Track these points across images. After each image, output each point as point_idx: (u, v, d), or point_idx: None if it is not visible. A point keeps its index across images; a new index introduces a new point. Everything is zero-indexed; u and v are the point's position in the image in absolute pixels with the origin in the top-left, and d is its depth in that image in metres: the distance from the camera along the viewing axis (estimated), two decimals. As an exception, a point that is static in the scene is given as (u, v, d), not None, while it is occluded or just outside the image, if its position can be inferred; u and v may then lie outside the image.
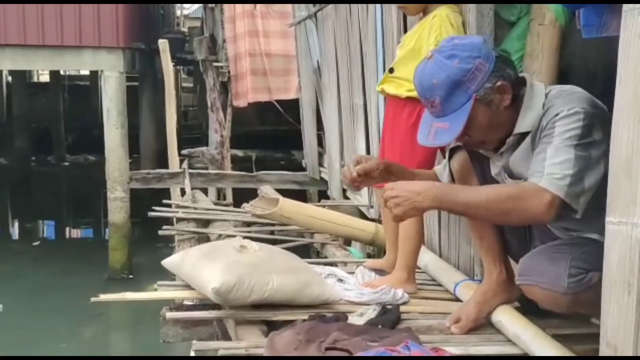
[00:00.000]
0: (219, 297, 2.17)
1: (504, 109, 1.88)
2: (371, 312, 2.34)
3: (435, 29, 2.43)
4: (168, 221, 3.81)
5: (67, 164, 17.04)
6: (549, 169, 1.74)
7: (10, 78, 16.34)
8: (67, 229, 12.72)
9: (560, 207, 1.74)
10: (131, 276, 8.58)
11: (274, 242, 3.29)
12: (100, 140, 10.27)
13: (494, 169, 2.07)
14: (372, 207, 3.82)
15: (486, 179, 2.10)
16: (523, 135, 1.91)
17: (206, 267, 2.27)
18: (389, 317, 2.28)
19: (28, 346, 6.51)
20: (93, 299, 2.43)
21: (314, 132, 5.72)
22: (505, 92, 1.86)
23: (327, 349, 2.00)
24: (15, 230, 12.35)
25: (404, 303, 2.44)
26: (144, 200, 9.80)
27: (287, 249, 2.98)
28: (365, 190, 3.93)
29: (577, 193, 1.74)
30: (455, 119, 1.83)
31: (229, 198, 6.58)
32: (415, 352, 1.79)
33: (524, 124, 1.90)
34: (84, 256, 9.99)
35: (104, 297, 2.48)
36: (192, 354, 2.16)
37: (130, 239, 8.78)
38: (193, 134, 13.35)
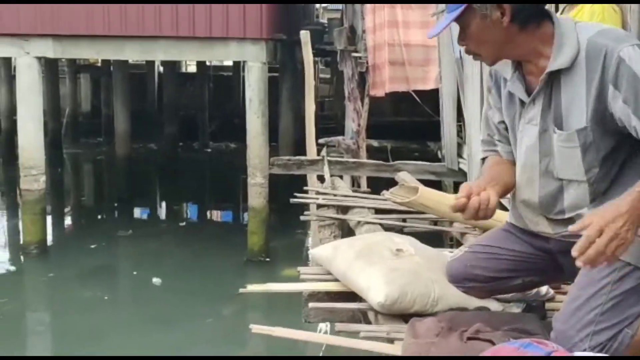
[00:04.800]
0: (383, 309, 2.20)
1: (502, 29, 1.83)
2: (515, 309, 2.29)
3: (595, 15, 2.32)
4: (304, 207, 3.91)
5: (209, 150, 17.95)
6: None
7: (161, 68, 17.42)
8: (209, 211, 13.44)
9: None
10: (268, 259, 8.91)
11: (413, 232, 3.29)
12: (241, 129, 10.73)
13: (525, 118, 1.95)
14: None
15: None
16: (556, 73, 1.84)
17: (364, 271, 2.28)
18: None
19: (176, 320, 6.99)
20: (241, 290, 2.54)
21: (453, 122, 5.63)
22: (504, 12, 1.81)
23: (469, 338, 1.98)
24: (162, 212, 13.22)
25: (549, 300, 2.35)
26: (280, 188, 10.20)
27: (422, 236, 2.98)
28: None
29: None
30: (447, 18, 1.85)
31: (363, 186, 6.65)
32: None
33: (558, 61, 1.82)
34: (223, 238, 10.53)
35: (250, 287, 2.58)
36: (335, 334, 2.22)
37: (268, 224, 9.11)
38: (329, 124, 13.59)
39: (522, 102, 1.97)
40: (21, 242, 9.24)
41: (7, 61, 15.04)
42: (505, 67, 2.01)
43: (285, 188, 10.62)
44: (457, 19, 1.86)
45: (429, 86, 7.70)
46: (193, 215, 12.92)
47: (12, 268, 8.68)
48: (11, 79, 14.39)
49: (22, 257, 9.01)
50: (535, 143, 1.95)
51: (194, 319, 7.02)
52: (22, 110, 9.09)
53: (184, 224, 11.87)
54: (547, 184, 1.97)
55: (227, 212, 13.34)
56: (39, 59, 9.09)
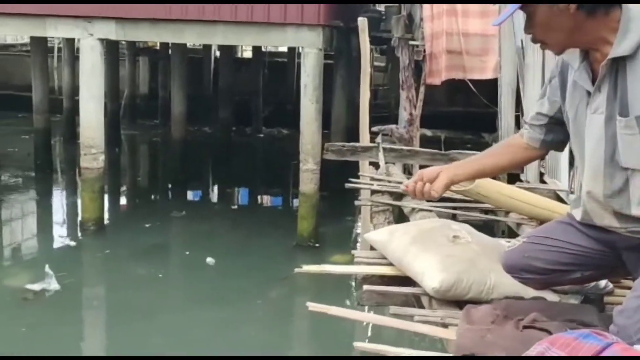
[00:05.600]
0: (438, 295, 2.22)
1: (569, 15, 1.80)
2: (572, 301, 2.26)
3: None
4: (356, 194, 3.91)
5: (262, 135, 18.11)
6: None
7: (218, 53, 17.63)
8: (259, 196, 13.60)
9: None
10: (317, 245, 8.97)
11: (468, 220, 3.27)
12: (294, 115, 10.80)
13: (591, 108, 1.93)
14: (572, 192, 3.64)
15: None
16: (621, 60, 1.81)
17: (419, 257, 2.30)
18: (590, 307, 2.19)
19: (226, 300, 7.13)
20: (296, 270, 2.58)
21: (512, 113, 5.55)
22: None
23: (525, 327, 1.97)
24: (214, 194, 13.44)
25: (608, 293, 2.32)
26: (330, 175, 10.25)
27: (474, 225, 2.96)
28: (564, 174, 3.76)
29: None
30: (513, 6, 1.83)
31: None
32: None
33: (622, 47, 1.80)
34: (273, 222, 10.64)
35: (305, 268, 2.61)
36: (389, 317, 2.24)
37: (318, 210, 9.17)
38: (381, 112, 13.54)
39: (589, 93, 1.94)
40: (79, 218, 9.55)
41: (71, 43, 15.49)
42: (572, 56, 1.98)
43: (335, 175, 10.70)
44: (523, 7, 1.85)
45: (487, 76, 7.60)
46: (244, 199, 13.10)
47: (72, 243, 8.98)
48: (74, 60, 14.82)
49: (80, 234, 9.31)
50: (601, 132, 1.92)
51: (244, 299, 7.15)
52: (84, 90, 9.35)
53: (235, 207, 12.06)
54: (613, 175, 1.94)
55: (277, 197, 13.47)
56: (102, 40, 9.32)
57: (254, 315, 6.83)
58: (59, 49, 17.14)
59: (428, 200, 2.36)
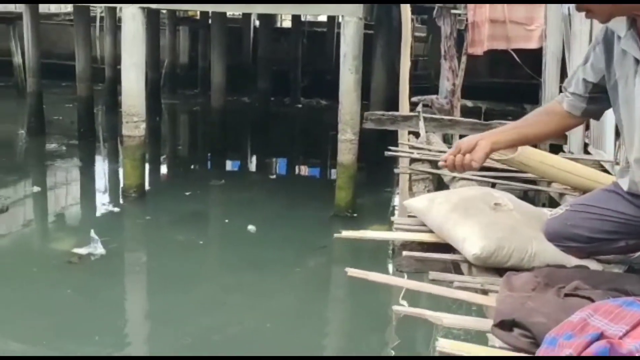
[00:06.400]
0: (478, 262, 2.21)
1: None
2: (615, 270, 2.23)
3: None
4: (395, 165, 3.90)
5: (300, 106, 18.11)
6: None
7: (257, 23, 17.61)
8: (297, 166, 13.65)
9: None
10: (355, 215, 8.99)
11: (508, 189, 3.24)
12: (333, 86, 10.74)
13: None
14: (617, 163, 3.57)
15: None
16: None
17: (459, 224, 2.29)
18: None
19: (265, 267, 7.22)
20: (336, 235, 2.58)
21: (556, 83, 5.43)
22: None
23: (566, 295, 1.96)
24: (253, 164, 13.53)
25: (653, 262, 2.28)
26: (369, 146, 10.22)
27: (515, 195, 2.93)
28: (610, 145, 3.67)
29: None
30: None
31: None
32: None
33: None
34: (311, 192, 10.69)
35: (345, 233, 2.61)
36: (428, 282, 2.24)
37: (356, 180, 9.16)
38: (421, 83, 13.38)
39: (637, 61, 1.90)
40: (121, 185, 9.73)
41: (113, 12, 15.63)
42: (619, 25, 1.93)
43: (373, 147, 10.69)
44: None
45: (531, 45, 7.44)
46: (282, 168, 13.16)
47: (115, 209, 9.17)
48: (116, 29, 14.97)
49: (122, 200, 9.49)
50: None
51: (282, 267, 7.23)
52: (126, 58, 9.45)
53: (273, 177, 12.13)
54: None
55: (315, 168, 13.51)
56: (143, 9, 9.39)
57: (292, 282, 6.91)
58: (101, 18, 17.32)
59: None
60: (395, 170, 3.77)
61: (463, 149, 2.17)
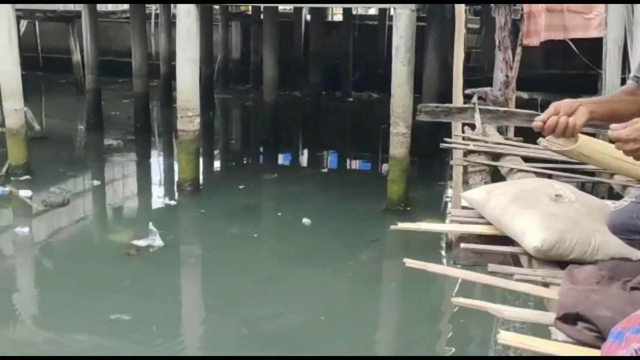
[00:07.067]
0: (539, 254, 2.17)
1: None
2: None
3: None
4: (446, 160, 3.86)
5: (351, 99, 18.09)
6: None
7: (309, 17, 17.65)
8: (348, 159, 13.65)
9: None
10: (408, 208, 8.94)
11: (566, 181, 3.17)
12: (383, 79, 10.68)
13: None
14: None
15: None
16: None
17: (519, 215, 2.25)
18: None
19: (318, 260, 7.26)
20: (392, 227, 2.58)
21: (618, 72, 5.27)
22: None
23: (632, 288, 1.91)
24: (305, 158, 13.60)
25: None
26: (421, 140, 10.13)
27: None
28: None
29: None
30: None
31: (510, 136, 6.45)
32: None
33: None
34: (362, 186, 10.68)
35: (401, 225, 2.61)
36: (487, 275, 2.22)
37: (408, 174, 9.10)
38: (474, 75, 13.17)
39: None
40: (176, 179, 9.92)
41: (168, 9, 15.93)
42: None
43: (425, 140, 10.60)
44: None
45: (590, 34, 7.23)
46: (333, 162, 13.17)
47: (171, 203, 9.36)
48: (170, 26, 15.24)
49: (177, 194, 9.68)
50: None
51: (335, 260, 7.25)
52: (181, 54, 9.62)
53: (325, 170, 12.16)
54: None
55: (366, 161, 13.49)
56: (197, 5, 9.52)
57: (345, 275, 6.93)
58: (156, 15, 17.66)
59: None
60: (451, 163, 3.73)
61: (562, 111, 2.00)
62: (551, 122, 1.98)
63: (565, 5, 7.63)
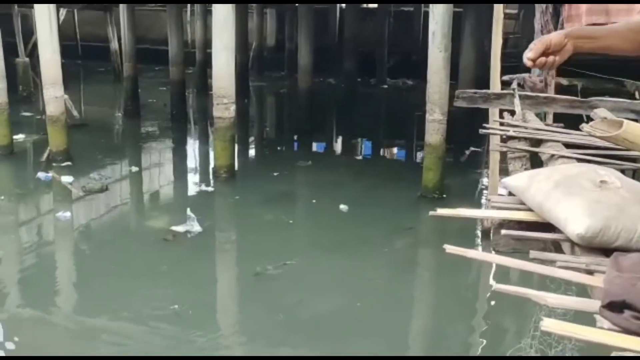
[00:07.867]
0: (582, 242, 2.13)
1: None
2: None
3: None
4: (482, 148, 3.80)
5: (386, 86, 18.00)
6: None
7: (344, 4, 17.57)
8: (383, 147, 13.60)
9: None
10: (444, 196, 8.87)
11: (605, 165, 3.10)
12: (418, 65, 10.60)
13: None
14: None
15: None
16: None
17: (562, 202, 2.20)
18: None
19: (353, 247, 7.26)
20: (431, 213, 2.55)
21: (662, 57, 5.10)
22: None
23: (679, 276, 1.86)
24: (339, 145, 13.58)
25: None
26: (456, 127, 10.02)
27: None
28: None
29: None
30: None
31: (549, 122, 6.33)
32: None
33: None
34: (397, 173, 10.65)
35: (440, 211, 2.57)
36: (529, 261, 2.18)
37: (444, 161, 9.03)
38: (511, 62, 12.94)
39: None
40: (212, 166, 10.01)
41: (202, -3, 16.01)
42: None
43: (461, 127, 10.48)
44: None
45: (634, 17, 7.03)
46: (368, 149, 13.14)
47: (206, 189, 9.45)
48: (206, 14, 15.33)
49: (212, 180, 9.77)
50: None
51: (370, 247, 7.25)
52: (217, 41, 9.66)
53: (359, 157, 12.15)
54: None
55: (401, 149, 13.42)
56: (233, -7, 9.55)
57: (381, 262, 6.92)
58: (192, 3, 17.76)
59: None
60: (491, 148, 3.68)
61: (553, 48, 2.06)
62: (540, 63, 2.07)
63: (607, -11, 7.43)
